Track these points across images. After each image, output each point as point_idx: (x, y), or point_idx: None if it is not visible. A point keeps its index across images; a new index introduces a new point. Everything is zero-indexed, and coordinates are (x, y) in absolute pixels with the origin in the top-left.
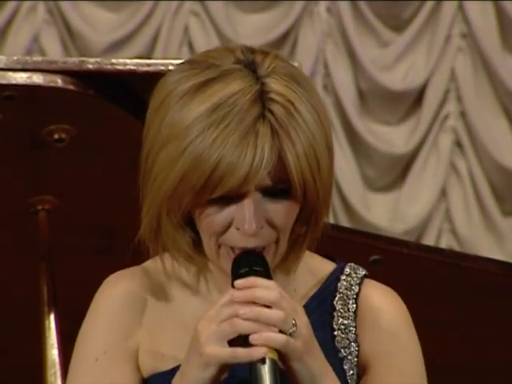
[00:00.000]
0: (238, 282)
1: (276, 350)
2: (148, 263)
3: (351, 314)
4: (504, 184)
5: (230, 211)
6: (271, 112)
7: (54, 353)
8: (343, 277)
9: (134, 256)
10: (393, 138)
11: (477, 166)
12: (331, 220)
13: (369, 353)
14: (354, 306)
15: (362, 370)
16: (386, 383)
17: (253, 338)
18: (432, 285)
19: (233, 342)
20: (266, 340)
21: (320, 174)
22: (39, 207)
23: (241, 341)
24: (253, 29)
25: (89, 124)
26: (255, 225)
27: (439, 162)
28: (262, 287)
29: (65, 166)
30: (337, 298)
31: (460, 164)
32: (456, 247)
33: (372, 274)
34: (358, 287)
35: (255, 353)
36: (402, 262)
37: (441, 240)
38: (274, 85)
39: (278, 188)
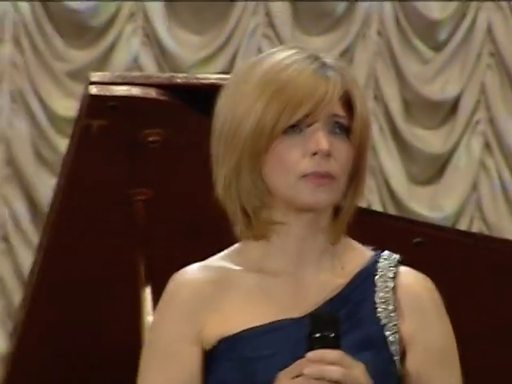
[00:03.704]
0: (309, 355)
1: None
2: (208, 260)
3: (390, 289)
4: None
5: (302, 142)
6: (333, 69)
7: (149, 319)
8: (381, 259)
9: (219, 240)
10: (432, 140)
11: (503, 164)
12: (381, 209)
13: (405, 328)
14: (392, 284)
15: (401, 344)
16: (420, 361)
17: None
18: (464, 265)
19: None
20: None
21: (369, 130)
22: (137, 197)
23: None
24: (316, 49)
25: (178, 128)
26: (327, 144)
27: (471, 161)
28: (329, 362)
29: (158, 163)
30: (377, 277)
31: (489, 162)
32: (485, 232)
33: (415, 253)
34: (395, 269)
35: None
36: (440, 244)
37: (472, 226)
38: (331, 61)
39: (342, 124)
